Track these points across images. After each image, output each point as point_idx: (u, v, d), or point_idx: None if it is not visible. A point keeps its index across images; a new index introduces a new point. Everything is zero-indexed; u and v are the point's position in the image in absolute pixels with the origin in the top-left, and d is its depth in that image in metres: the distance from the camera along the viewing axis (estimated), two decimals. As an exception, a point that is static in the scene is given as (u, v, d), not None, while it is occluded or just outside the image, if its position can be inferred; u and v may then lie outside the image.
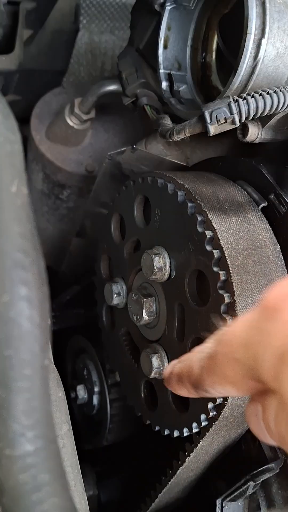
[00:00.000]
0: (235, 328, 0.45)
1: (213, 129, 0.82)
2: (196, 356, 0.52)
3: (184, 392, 0.54)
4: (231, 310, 0.79)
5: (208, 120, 0.81)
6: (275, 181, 0.93)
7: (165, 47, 1.06)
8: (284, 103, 0.82)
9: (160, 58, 1.06)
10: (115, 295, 1.07)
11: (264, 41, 0.84)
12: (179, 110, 1.03)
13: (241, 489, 0.96)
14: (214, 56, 1.08)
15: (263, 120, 0.93)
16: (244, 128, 0.94)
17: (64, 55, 1.75)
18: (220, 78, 1.06)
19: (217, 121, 0.80)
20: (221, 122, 0.80)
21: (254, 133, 0.94)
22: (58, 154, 1.49)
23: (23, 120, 1.79)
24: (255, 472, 0.92)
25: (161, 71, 1.06)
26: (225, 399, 0.82)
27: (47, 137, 1.50)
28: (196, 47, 1.08)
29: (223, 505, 1.01)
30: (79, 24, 1.72)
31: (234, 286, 0.79)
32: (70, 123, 1.44)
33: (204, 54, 1.08)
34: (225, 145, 1.20)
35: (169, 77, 1.06)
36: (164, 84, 1.06)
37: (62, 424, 0.93)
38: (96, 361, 1.25)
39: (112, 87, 1.35)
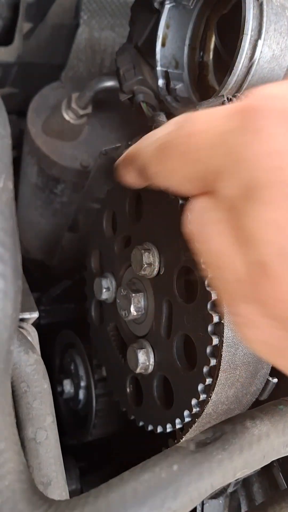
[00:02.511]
0: (204, 121, 0.37)
1: (206, 127, 0.82)
2: (151, 139, 0.44)
3: (129, 177, 0.49)
4: (218, 307, 0.80)
5: (202, 118, 0.81)
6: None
7: (163, 45, 1.07)
8: (277, 105, 0.82)
9: (158, 56, 1.06)
10: (104, 290, 1.07)
11: (260, 42, 0.84)
12: (174, 108, 1.03)
13: (222, 487, 0.97)
14: (211, 56, 1.09)
15: (257, 121, 0.94)
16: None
17: (63, 50, 1.75)
18: (217, 78, 1.07)
19: (210, 119, 0.81)
20: (215, 121, 0.81)
21: (248, 134, 0.94)
22: (53, 148, 1.49)
23: (20, 113, 1.79)
24: (236, 469, 0.93)
25: (158, 68, 1.06)
26: (208, 395, 0.83)
27: (43, 131, 1.51)
28: (194, 46, 1.09)
29: (204, 502, 1.01)
30: (80, 20, 1.72)
31: (221, 283, 0.80)
32: (67, 118, 1.44)
33: (201, 53, 1.09)
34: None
35: (166, 75, 1.07)
36: (160, 82, 1.06)
37: (46, 416, 0.93)
38: (84, 356, 1.26)
39: (109, 83, 1.35)
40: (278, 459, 0.93)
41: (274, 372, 0.88)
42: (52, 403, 0.96)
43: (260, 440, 0.55)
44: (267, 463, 0.57)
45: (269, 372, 0.87)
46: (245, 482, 1.02)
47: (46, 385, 0.96)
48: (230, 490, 0.99)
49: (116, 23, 1.93)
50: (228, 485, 0.97)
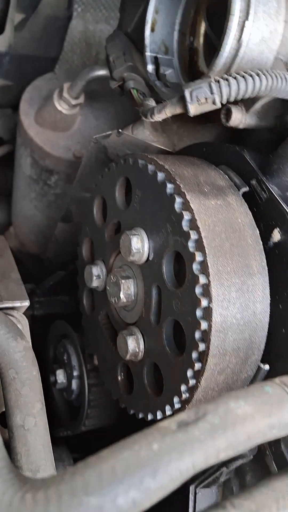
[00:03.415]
0: None
1: (193, 109, 0.81)
2: None
3: None
4: (206, 291, 0.79)
5: (188, 99, 0.80)
6: (258, 167, 0.93)
7: (152, 30, 1.06)
8: (266, 86, 0.81)
9: (147, 41, 1.05)
10: (95, 278, 1.06)
11: (248, 24, 0.83)
12: (164, 93, 1.02)
13: (214, 475, 0.96)
14: (201, 41, 1.08)
15: (247, 105, 0.93)
16: (227, 112, 0.94)
17: (57, 42, 1.74)
18: (207, 63, 1.06)
19: (197, 100, 0.80)
20: (202, 102, 0.80)
21: (238, 118, 0.93)
22: (46, 139, 1.49)
23: (15, 107, 1.78)
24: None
25: (147, 54, 1.06)
26: (198, 381, 0.82)
27: (36, 122, 1.50)
28: (184, 31, 1.08)
29: (196, 491, 1.00)
30: (73, 11, 1.71)
31: (209, 267, 0.79)
32: (59, 108, 1.43)
33: (192, 38, 1.08)
34: (212, 133, 1.20)
35: (155, 61, 1.06)
36: (150, 67, 1.06)
37: (34, 403, 0.93)
38: (76, 346, 1.25)
39: (101, 72, 1.35)
40: (270, 448, 0.93)
41: (266, 359, 0.87)
42: (41, 390, 0.95)
43: (245, 421, 0.54)
44: (252, 446, 0.56)
45: (260, 358, 0.86)
46: (238, 471, 1.01)
47: (35, 372, 0.95)
48: (222, 479, 0.97)
49: (111, 15, 1.92)
50: (221, 474, 0.96)
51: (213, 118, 0.98)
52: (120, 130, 1.14)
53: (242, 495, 0.55)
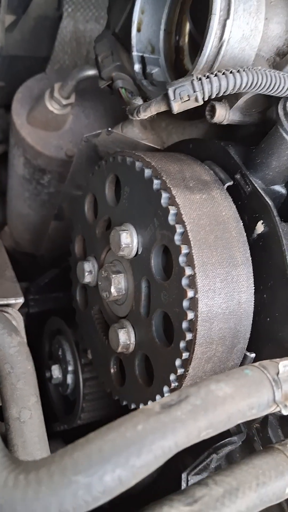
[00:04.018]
0: None
1: (176, 106, 0.84)
2: None
3: None
4: (192, 282, 0.81)
5: (172, 97, 0.82)
6: (242, 161, 0.95)
7: (138, 30, 1.08)
8: (247, 83, 0.84)
9: (134, 41, 1.08)
10: (87, 273, 1.09)
11: (229, 22, 0.86)
12: (151, 92, 1.05)
13: (204, 462, 0.99)
14: (187, 40, 1.10)
15: (230, 101, 0.95)
16: (212, 109, 0.96)
17: (48, 42, 1.76)
18: (193, 61, 1.08)
19: (180, 98, 0.82)
20: (184, 100, 0.82)
21: (222, 114, 0.96)
22: (38, 138, 1.51)
23: (8, 107, 1.80)
24: (217, 444, 0.95)
25: (134, 53, 1.08)
26: (186, 370, 0.85)
27: (28, 121, 1.52)
28: (170, 30, 1.10)
29: (188, 479, 1.03)
30: (63, 11, 1.73)
31: (195, 259, 0.81)
32: (50, 108, 1.45)
33: (177, 37, 1.10)
34: (200, 129, 1.23)
35: (142, 60, 1.08)
36: (137, 67, 1.08)
37: (30, 396, 0.95)
38: (71, 341, 1.28)
39: (91, 72, 1.37)
40: (258, 433, 0.96)
41: (252, 347, 0.90)
42: (36, 384, 0.98)
43: (225, 402, 0.57)
44: (233, 425, 0.58)
45: (246, 347, 0.89)
46: (228, 457, 1.04)
47: (29, 366, 0.98)
48: (213, 465, 1.00)
49: (101, 15, 1.94)
50: (211, 461, 0.99)
51: (201, 115, 1.01)
52: (110, 129, 1.17)
53: (224, 472, 0.58)
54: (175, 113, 0.85)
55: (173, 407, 0.55)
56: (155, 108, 0.87)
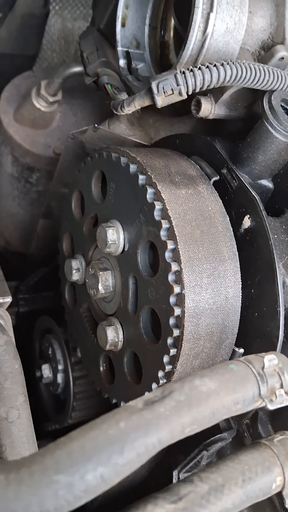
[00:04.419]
0: None
1: (160, 100, 0.83)
2: None
3: None
4: (179, 278, 0.81)
5: (155, 91, 0.82)
6: (229, 156, 0.95)
7: (123, 25, 1.07)
8: (231, 76, 0.83)
9: (118, 36, 1.07)
10: (75, 271, 1.08)
11: (212, 16, 0.85)
12: (136, 87, 1.04)
13: (195, 460, 0.98)
14: (172, 35, 1.09)
15: (215, 95, 0.95)
16: (197, 103, 0.96)
17: (35, 40, 1.75)
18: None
19: (164, 92, 0.81)
20: (168, 94, 0.82)
21: (207, 109, 0.95)
22: (26, 136, 1.50)
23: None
24: (207, 441, 0.94)
25: (119, 49, 1.07)
26: (174, 366, 0.84)
27: (15, 119, 1.51)
28: (154, 26, 1.09)
29: (180, 476, 1.02)
30: (49, 9, 1.72)
31: (181, 254, 0.81)
32: (37, 105, 1.44)
33: (162, 32, 1.10)
34: (188, 126, 1.22)
35: (127, 55, 1.07)
36: (122, 62, 1.07)
37: (18, 396, 0.94)
38: (60, 340, 1.27)
39: (77, 69, 1.36)
40: (248, 430, 0.95)
41: (240, 342, 0.89)
42: (24, 383, 0.97)
43: (209, 397, 0.56)
44: (218, 421, 0.58)
45: (234, 342, 0.88)
46: (219, 454, 1.03)
47: (17, 365, 0.97)
48: (204, 462, 0.99)
49: (89, 12, 1.93)
50: (202, 458, 0.98)
51: (189, 111, 1.00)
52: (96, 125, 1.16)
53: (209, 469, 0.58)
54: (159, 107, 0.84)
55: (156, 404, 0.54)
56: (138, 103, 0.86)
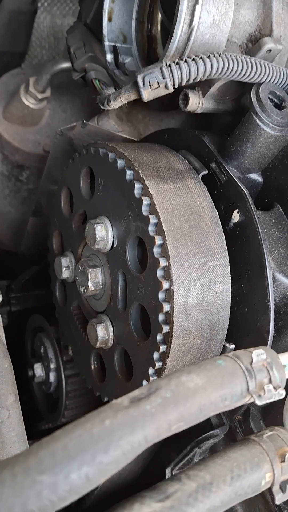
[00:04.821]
0: None
1: (146, 94, 0.82)
2: None
3: None
4: (167, 274, 0.80)
5: (141, 85, 0.81)
6: (217, 150, 0.94)
7: (109, 19, 1.06)
8: (218, 69, 0.82)
9: (105, 31, 1.06)
10: (64, 269, 1.07)
11: (198, 8, 0.84)
12: (123, 82, 1.03)
13: (188, 457, 0.97)
14: (159, 29, 1.08)
15: (203, 89, 0.94)
16: (185, 97, 0.95)
17: (23, 37, 1.74)
18: (165, 50, 1.06)
19: (150, 85, 0.80)
20: (154, 87, 0.81)
21: (195, 103, 0.94)
22: (15, 134, 1.48)
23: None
24: (199, 438, 0.93)
25: (106, 43, 1.06)
26: (164, 363, 0.83)
27: (4, 117, 1.49)
28: (141, 19, 1.08)
29: (173, 473, 1.01)
30: (37, 5, 1.70)
31: (169, 250, 0.80)
32: (26, 103, 1.43)
33: (149, 26, 1.08)
34: (177, 120, 1.21)
35: (114, 50, 1.06)
36: (109, 57, 1.06)
37: (8, 395, 0.93)
38: (52, 339, 1.26)
39: (65, 65, 1.34)
40: (240, 426, 0.94)
41: (231, 338, 0.88)
42: (14, 382, 0.96)
43: (196, 393, 0.55)
44: (205, 417, 0.57)
45: (225, 338, 0.88)
46: (212, 451, 1.02)
47: (6, 364, 0.96)
48: (196, 459, 0.99)
49: (78, 9, 1.92)
50: (194, 455, 0.97)
51: (177, 106, 0.99)
52: (84, 121, 1.15)
53: (197, 466, 0.57)
54: (145, 101, 0.83)
55: (142, 401, 0.53)
56: (125, 97, 0.85)
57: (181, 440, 1.04)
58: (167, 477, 1.01)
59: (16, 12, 1.66)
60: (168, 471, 1.01)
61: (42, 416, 1.39)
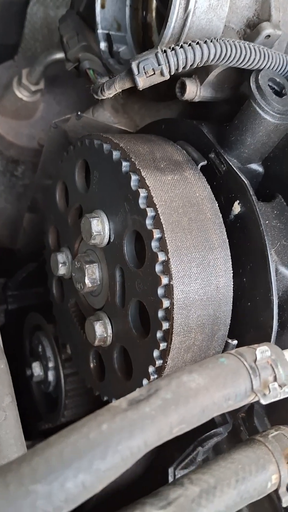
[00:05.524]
0: None
1: (141, 82, 0.78)
2: None
3: None
4: (166, 268, 0.77)
5: (136, 72, 0.77)
6: (216, 140, 0.91)
7: (102, 6, 1.02)
8: (215, 55, 0.79)
9: (98, 18, 1.02)
10: (61, 265, 1.04)
11: (194, -9, 0.81)
12: (118, 71, 0.99)
13: (191, 456, 0.95)
14: (154, 16, 1.05)
15: (201, 76, 0.91)
16: (182, 85, 0.91)
17: (16, 29, 1.70)
18: (161, 37, 1.03)
19: (145, 72, 0.77)
20: (150, 74, 0.77)
21: (193, 91, 0.91)
22: (9, 128, 1.45)
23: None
24: (202, 437, 0.91)
25: (99, 31, 1.03)
26: (164, 361, 0.80)
27: (-3, 111, 1.46)
28: (136, 6, 1.05)
29: (176, 473, 0.99)
30: (30, -4, 1.66)
31: (168, 244, 0.77)
32: (19, 95, 1.39)
33: (144, 13, 1.05)
34: (174, 110, 1.18)
35: (108, 38, 1.03)
36: (102, 45, 1.03)
37: (4, 397, 0.91)
38: (50, 337, 1.23)
39: (59, 56, 1.31)
40: (244, 423, 0.92)
41: (234, 333, 0.86)
42: (10, 383, 0.93)
43: (198, 394, 0.52)
44: (208, 418, 0.54)
45: (227, 334, 0.85)
46: (216, 449, 1.00)
47: (2, 365, 0.93)
48: (200, 458, 0.96)
49: None
50: (197, 454, 0.95)
51: (174, 96, 0.96)
52: (79, 113, 1.12)
53: (201, 470, 0.54)
54: (141, 89, 0.80)
55: (142, 403, 0.50)
56: (119, 85, 0.82)
57: (184, 439, 1.02)
58: (170, 476, 0.99)
59: (8, 3, 1.63)
60: (171, 470, 0.99)
61: (41, 416, 1.36)
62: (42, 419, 1.36)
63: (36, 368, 1.26)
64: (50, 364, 1.23)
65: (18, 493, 0.45)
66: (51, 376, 1.23)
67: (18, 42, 1.76)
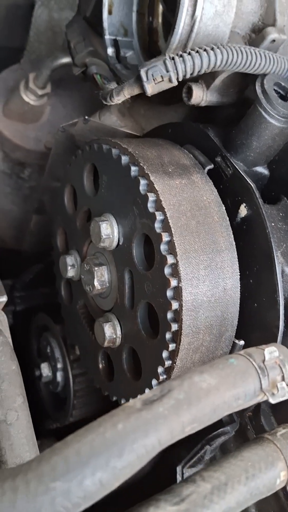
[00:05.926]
0: None
1: (150, 88, 0.80)
2: None
3: None
4: (175, 271, 0.79)
5: (144, 79, 0.79)
6: (222, 144, 0.92)
7: (109, 12, 1.04)
8: (222, 61, 0.80)
9: (105, 24, 1.04)
10: (70, 267, 1.06)
11: (200, -2, 0.82)
12: (125, 76, 1.01)
13: (199, 454, 0.96)
14: (160, 21, 1.06)
15: (207, 81, 0.92)
16: (188, 90, 0.93)
17: (21, 32, 1.72)
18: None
19: (153, 79, 0.79)
20: (158, 81, 0.79)
21: (199, 96, 0.93)
22: (15, 131, 1.47)
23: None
24: (210, 436, 0.92)
25: (107, 37, 1.04)
26: (173, 361, 0.82)
27: (4, 114, 1.48)
28: (142, 12, 1.06)
29: (184, 472, 1.01)
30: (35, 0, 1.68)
31: (177, 246, 0.78)
32: (26, 99, 1.41)
33: (150, 19, 1.07)
34: (180, 114, 1.19)
35: (115, 43, 1.04)
36: (110, 50, 1.04)
37: (16, 397, 0.92)
38: (58, 338, 1.25)
39: (65, 60, 1.32)
40: (251, 422, 0.93)
41: (241, 334, 0.87)
42: (22, 384, 0.95)
43: (209, 394, 0.54)
44: (219, 418, 0.56)
45: (234, 334, 0.86)
46: (223, 448, 1.01)
47: (14, 366, 0.95)
48: (207, 456, 0.98)
49: (76, 2, 1.89)
50: (205, 452, 0.97)
51: (180, 99, 0.98)
52: (86, 117, 1.13)
53: (212, 467, 0.56)
54: (149, 95, 0.82)
55: (155, 403, 0.52)
56: (128, 91, 0.83)
57: (192, 438, 1.04)
58: (178, 475, 1.00)
59: (13, 7, 1.64)
60: (179, 469, 1.00)
61: (49, 416, 1.38)
62: (49, 418, 1.37)
63: (45, 369, 1.28)
64: (59, 365, 1.25)
65: (38, 490, 0.47)
66: (59, 376, 1.25)
67: (23, 45, 1.77)
